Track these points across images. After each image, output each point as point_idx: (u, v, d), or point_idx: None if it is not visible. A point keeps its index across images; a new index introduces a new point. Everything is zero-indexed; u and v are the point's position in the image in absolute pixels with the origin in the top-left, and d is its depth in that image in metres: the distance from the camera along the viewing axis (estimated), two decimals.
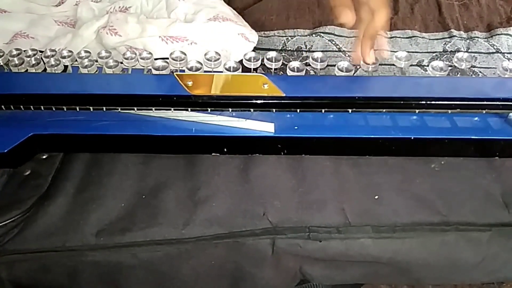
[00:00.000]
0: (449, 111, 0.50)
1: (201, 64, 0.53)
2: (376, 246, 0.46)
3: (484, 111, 0.50)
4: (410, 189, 0.49)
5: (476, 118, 0.51)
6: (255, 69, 0.53)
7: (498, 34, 0.67)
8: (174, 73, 0.51)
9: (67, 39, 0.62)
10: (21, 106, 0.49)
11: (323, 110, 0.50)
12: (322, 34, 0.68)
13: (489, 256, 0.47)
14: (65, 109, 0.50)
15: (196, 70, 0.52)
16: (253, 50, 0.62)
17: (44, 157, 0.52)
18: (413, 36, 0.68)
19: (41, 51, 0.55)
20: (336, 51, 0.66)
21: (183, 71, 0.52)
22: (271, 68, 0.54)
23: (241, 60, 0.54)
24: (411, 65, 0.61)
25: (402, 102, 0.48)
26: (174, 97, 0.48)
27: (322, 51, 0.65)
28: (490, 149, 0.51)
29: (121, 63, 0.53)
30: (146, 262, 0.46)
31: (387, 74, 0.61)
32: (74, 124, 0.50)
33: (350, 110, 0.49)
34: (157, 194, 0.49)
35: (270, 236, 0.46)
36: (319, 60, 0.53)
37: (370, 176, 0.50)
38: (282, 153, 0.51)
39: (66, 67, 0.54)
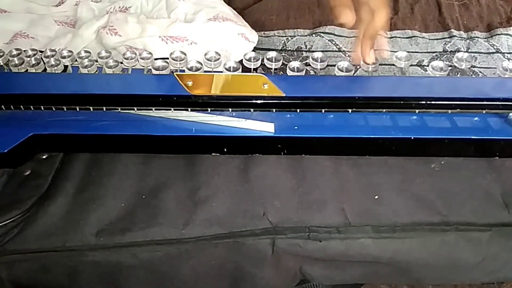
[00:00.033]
0: (449, 111, 0.50)
1: (201, 64, 0.53)
2: (376, 246, 0.46)
3: (484, 111, 0.50)
4: (410, 189, 0.49)
5: (476, 118, 0.51)
6: (255, 69, 0.53)
7: (498, 34, 0.67)
8: (174, 73, 0.51)
9: (67, 39, 0.62)
10: (21, 106, 0.49)
11: (323, 110, 0.50)
12: (322, 34, 0.68)
13: (489, 256, 0.47)
14: (65, 109, 0.50)
15: (196, 70, 0.52)
16: (253, 50, 0.62)
17: (44, 157, 0.52)
18: (413, 36, 0.68)
19: (41, 51, 0.55)
20: (336, 51, 0.66)
21: (183, 71, 0.52)
22: (271, 68, 0.54)
23: (241, 60, 0.54)
24: (411, 65, 0.61)
25: (402, 102, 0.48)
26: (174, 97, 0.48)
27: (322, 51, 0.65)
28: (490, 149, 0.51)
29: (121, 63, 0.53)
30: (146, 262, 0.46)
31: (387, 74, 0.61)
32: (74, 124, 0.50)
33: (350, 110, 0.49)
34: (157, 194, 0.49)
35: (270, 236, 0.46)
36: (319, 60, 0.53)
37: (370, 176, 0.50)
38: (282, 153, 0.51)
39: (66, 67, 0.54)
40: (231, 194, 0.49)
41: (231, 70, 0.52)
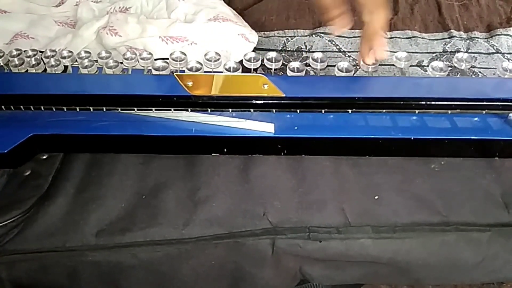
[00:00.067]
0: (449, 111, 0.50)
1: (201, 64, 0.53)
2: (376, 246, 0.46)
3: (484, 112, 0.50)
4: (410, 189, 0.49)
5: (476, 119, 0.51)
6: (255, 70, 0.53)
7: (498, 35, 0.67)
8: (174, 74, 0.51)
9: (67, 40, 0.62)
10: (21, 106, 0.49)
11: (323, 111, 0.50)
12: (322, 35, 0.68)
13: (489, 256, 0.47)
14: (65, 110, 0.50)
15: (196, 71, 0.52)
16: (253, 51, 0.62)
17: (44, 157, 0.52)
18: (413, 37, 0.68)
19: (41, 52, 0.55)
20: (336, 51, 0.66)
21: (183, 71, 0.52)
22: (271, 69, 0.54)
23: (241, 60, 0.54)
24: (411, 66, 0.61)
25: (402, 102, 0.48)
26: (174, 98, 0.48)
27: (322, 51, 0.65)
28: (490, 149, 0.51)
29: (121, 63, 0.54)
30: (146, 262, 0.46)
31: (387, 74, 0.61)
32: (74, 124, 0.50)
33: (350, 111, 0.49)
34: (157, 194, 0.49)
35: (270, 236, 0.46)
36: (319, 61, 0.53)
37: (370, 176, 0.50)
38: (282, 153, 0.51)
39: (66, 67, 0.54)
40: (231, 194, 0.49)
41: (231, 70, 0.52)
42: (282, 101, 0.49)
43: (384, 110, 0.49)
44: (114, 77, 0.52)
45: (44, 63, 0.53)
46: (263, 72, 0.53)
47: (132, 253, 0.45)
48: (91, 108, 0.49)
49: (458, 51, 0.66)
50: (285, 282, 0.50)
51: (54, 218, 0.47)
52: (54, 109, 0.49)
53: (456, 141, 0.50)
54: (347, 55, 0.65)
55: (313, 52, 0.62)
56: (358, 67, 0.53)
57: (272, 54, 0.54)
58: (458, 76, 0.56)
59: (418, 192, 0.49)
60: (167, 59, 0.53)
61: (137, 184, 0.50)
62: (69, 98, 0.49)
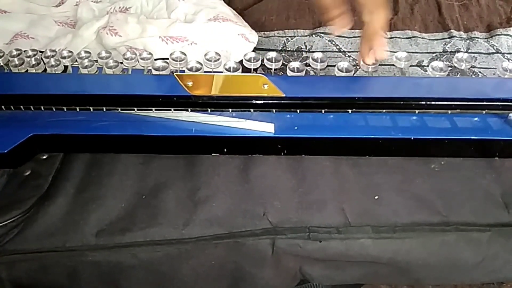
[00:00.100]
0: (449, 111, 0.50)
1: (201, 64, 0.53)
2: (376, 246, 0.46)
3: (484, 112, 0.50)
4: (410, 189, 0.49)
5: (476, 119, 0.51)
6: (255, 70, 0.53)
7: (498, 35, 0.67)
8: (174, 74, 0.51)
9: (67, 40, 0.62)
10: (21, 106, 0.49)
11: (323, 111, 0.50)
12: (322, 35, 0.68)
13: (489, 256, 0.47)
14: (65, 110, 0.50)
15: (196, 71, 0.52)
16: (253, 51, 0.62)
17: (44, 157, 0.52)
18: (413, 37, 0.68)
19: (41, 52, 0.55)
20: (336, 51, 0.66)
21: (183, 71, 0.52)
22: (271, 69, 0.54)
23: (241, 60, 0.54)
24: (411, 66, 0.61)
25: (402, 102, 0.48)
26: (174, 98, 0.48)
27: (322, 51, 0.65)
28: (490, 149, 0.51)
29: (121, 63, 0.54)
30: (146, 262, 0.46)
31: (387, 74, 0.61)
32: (74, 124, 0.50)
33: (350, 111, 0.49)
34: (157, 194, 0.49)
35: (270, 236, 0.46)
36: (319, 61, 0.53)
37: (370, 176, 0.50)
38: (282, 153, 0.51)
39: (66, 67, 0.54)
40: (231, 194, 0.49)
41: (231, 70, 0.52)
42: (282, 101, 0.49)
43: (384, 110, 0.49)
44: (114, 77, 0.52)
45: (44, 63, 0.53)
46: (263, 72, 0.53)
47: (132, 253, 0.45)
48: (91, 108, 0.49)
49: (458, 51, 0.66)
50: (285, 282, 0.50)
51: (54, 218, 0.47)
52: (54, 109, 0.49)
53: (456, 141, 0.50)
54: (347, 55, 0.65)
55: (313, 52, 0.62)
56: (358, 67, 0.53)
57: (272, 54, 0.54)
58: (458, 76, 0.56)
59: (418, 192, 0.49)
60: (167, 59, 0.53)
61: (137, 184, 0.50)
62: (69, 98, 0.49)
